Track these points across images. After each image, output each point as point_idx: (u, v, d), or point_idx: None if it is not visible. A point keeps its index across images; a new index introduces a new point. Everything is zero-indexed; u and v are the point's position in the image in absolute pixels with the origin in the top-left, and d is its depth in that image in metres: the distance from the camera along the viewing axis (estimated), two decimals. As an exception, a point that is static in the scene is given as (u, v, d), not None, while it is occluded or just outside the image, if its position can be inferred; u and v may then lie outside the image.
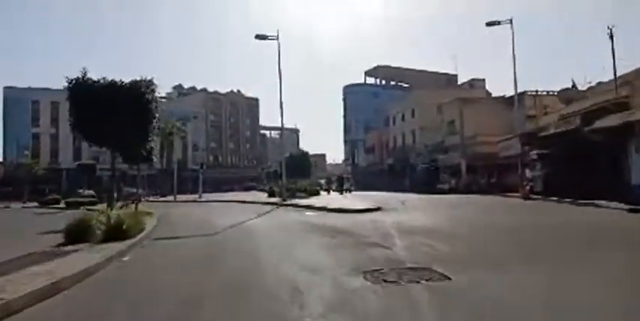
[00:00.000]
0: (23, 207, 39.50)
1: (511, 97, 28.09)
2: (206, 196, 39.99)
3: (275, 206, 22.59)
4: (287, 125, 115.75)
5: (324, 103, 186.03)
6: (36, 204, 40.75)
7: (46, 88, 70.42)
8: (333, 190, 33.87)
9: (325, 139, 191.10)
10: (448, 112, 38.52)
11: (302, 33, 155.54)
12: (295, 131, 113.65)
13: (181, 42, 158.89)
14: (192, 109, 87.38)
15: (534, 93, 34.96)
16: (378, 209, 17.37)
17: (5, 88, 67.15)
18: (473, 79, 48.18)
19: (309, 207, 19.91)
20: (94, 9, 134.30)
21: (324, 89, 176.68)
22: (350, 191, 33.14)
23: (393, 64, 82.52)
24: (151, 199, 44.34)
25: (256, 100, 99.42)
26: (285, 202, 23.63)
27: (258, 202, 26.64)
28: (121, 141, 12.61)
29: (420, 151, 44.29)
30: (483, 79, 48.16)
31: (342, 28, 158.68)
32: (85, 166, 35.71)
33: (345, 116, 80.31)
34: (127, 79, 12.63)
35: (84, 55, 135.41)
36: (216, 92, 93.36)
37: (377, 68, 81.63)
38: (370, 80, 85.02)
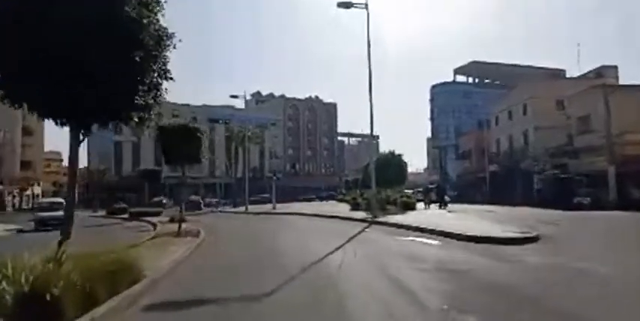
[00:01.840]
0: (90, 216, 37.73)
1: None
2: (281, 207, 35.18)
3: (365, 225, 16.73)
4: (366, 131, 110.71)
5: (406, 105, 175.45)
6: (104, 213, 38.99)
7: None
8: (431, 202, 27.23)
9: (406, 145, 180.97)
10: (579, 105, 30.29)
11: (380, 32, 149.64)
12: (375, 137, 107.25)
13: (260, 49, 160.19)
14: (269, 116, 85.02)
15: None
16: (534, 239, 10.81)
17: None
18: (602, 67, 38.89)
19: (415, 229, 13.79)
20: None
21: (406, 90, 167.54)
22: (446, 204, 26.35)
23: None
24: (227, 209, 40.71)
25: (334, 105, 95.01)
26: (376, 219, 17.69)
27: (340, 217, 20.96)
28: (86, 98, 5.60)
29: (537, 155, 36.06)
30: (615, 66, 38.65)
31: (426, 24, 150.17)
32: (148, 173, 32.47)
33: (432, 119, 72.52)
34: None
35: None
36: (294, 98, 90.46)
37: (469, 65, 73.05)
38: (461, 79, 76.56)
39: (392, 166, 23.50)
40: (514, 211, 23.02)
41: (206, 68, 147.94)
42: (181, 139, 13.04)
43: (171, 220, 21.03)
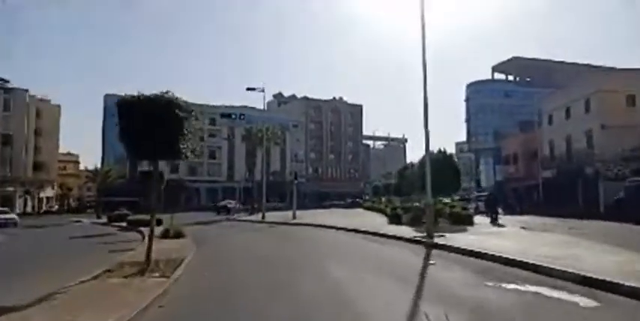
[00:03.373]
0: (92, 223, 33.85)
1: None
2: (302, 216, 30.42)
3: (421, 250, 11.77)
4: (392, 134, 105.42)
5: (438, 107, 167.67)
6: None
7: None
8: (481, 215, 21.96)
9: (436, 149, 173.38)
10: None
11: (408, 26, 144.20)
12: (401, 141, 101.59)
13: (282, 50, 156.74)
14: (291, 117, 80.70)
15: None
16: None
17: (106, 95, 65.65)
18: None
19: (509, 264, 8.79)
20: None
21: (439, 89, 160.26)
22: (497, 218, 20.93)
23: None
24: (242, 216, 36.17)
25: (360, 107, 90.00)
26: (434, 241, 12.71)
27: (379, 234, 16.04)
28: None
29: (606, 158, 30.39)
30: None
31: (460, 21, 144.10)
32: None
33: (468, 120, 66.75)
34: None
35: (174, 64, 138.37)
36: (317, 99, 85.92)
37: (510, 61, 67.15)
38: (499, 77, 70.57)
39: (444, 169, 18.39)
40: (604, 228, 17.66)
41: (227, 70, 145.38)
42: (151, 119, 8.38)
43: (165, 234, 16.59)
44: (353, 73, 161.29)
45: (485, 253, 9.99)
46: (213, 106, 64.56)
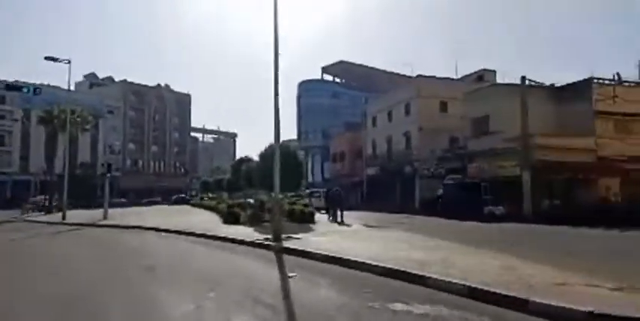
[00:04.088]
0: None
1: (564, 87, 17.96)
2: (117, 215, 25.75)
3: (270, 258, 9.84)
4: (222, 128, 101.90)
5: (266, 103, 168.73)
6: None
7: None
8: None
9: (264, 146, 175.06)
10: (474, 104, 27.98)
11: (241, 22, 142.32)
12: (232, 135, 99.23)
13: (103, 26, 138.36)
14: (107, 102, 70.69)
15: (603, 81, 25.58)
16: None
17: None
18: (484, 70, 38.47)
19: (386, 274, 7.53)
20: None
21: (267, 87, 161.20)
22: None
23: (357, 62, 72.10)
24: (35, 216, 28.73)
25: (188, 96, 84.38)
26: (285, 246, 10.95)
27: (217, 237, 13.62)
28: None
29: (422, 158, 33.40)
30: (494, 71, 38.56)
31: (298, 21, 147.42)
32: None
33: (299, 118, 68.09)
34: None
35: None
36: (138, 84, 77.14)
37: (338, 64, 70.74)
38: (328, 78, 73.87)
39: (286, 164, 16.88)
40: (431, 223, 18.56)
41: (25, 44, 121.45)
42: None
43: None
44: (183, 61, 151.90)
45: (348, 260, 8.58)
46: (8, 91, 52.03)
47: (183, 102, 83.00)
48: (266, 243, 11.55)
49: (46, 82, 58.54)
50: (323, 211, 22.19)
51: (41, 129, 50.87)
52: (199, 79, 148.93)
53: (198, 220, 20.32)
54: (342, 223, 18.02)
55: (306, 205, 19.41)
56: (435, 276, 6.67)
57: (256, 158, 25.13)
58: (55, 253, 11.94)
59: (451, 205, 22.74)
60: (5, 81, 50.72)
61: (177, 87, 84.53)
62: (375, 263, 7.98)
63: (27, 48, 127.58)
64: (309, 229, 14.99)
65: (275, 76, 12.91)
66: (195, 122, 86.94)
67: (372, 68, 71.93)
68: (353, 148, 46.02)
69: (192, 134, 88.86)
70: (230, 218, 18.42)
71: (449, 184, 24.81)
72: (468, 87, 33.36)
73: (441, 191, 25.36)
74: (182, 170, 79.71)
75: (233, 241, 12.69)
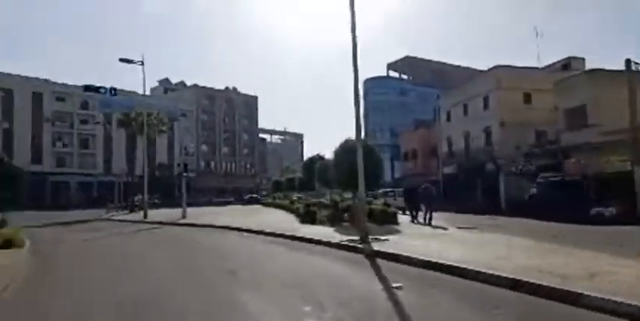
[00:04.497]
0: None
1: None
2: (194, 214, 26.03)
3: (363, 262, 8.75)
4: (289, 128, 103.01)
5: (335, 102, 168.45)
6: None
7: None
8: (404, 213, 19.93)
9: (333, 145, 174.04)
10: (569, 95, 25.19)
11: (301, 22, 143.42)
12: (299, 136, 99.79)
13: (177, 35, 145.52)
14: (180, 106, 73.65)
15: None
16: None
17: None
18: (569, 58, 35.04)
19: (522, 288, 6.18)
20: None
21: (338, 86, 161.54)
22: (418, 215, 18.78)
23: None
24: (119, 215, 29.90)
25: (255, 98, 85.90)
26: (376, 249, 9.83)
27: (296, 237, 12.83)
28: None
29: (506, 155, 30.85)
30: (582, 58, 34.99)
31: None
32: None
33: (365, 117, 66.77)
34: None
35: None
36: (209, 88, 79.75)
37: (403, 60, 68.53)
38: (394, 75, 71.81)
39: (365, 161, 15.75)
40: (531, 225, 16.57)
41: (109, 52, 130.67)
42: None
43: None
44: (246, 65, 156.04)
45: (457, 267, 7.30)
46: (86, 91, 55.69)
47: (250, 104, 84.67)
48: (352, 245, 10.52)
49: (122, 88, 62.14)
50: (400, 212, 20.80)
51: (121, 132, 53.85)
52: (265, 81, 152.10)
53: (273, 220, 19.79)
54: (429, 224, 16.52)
55: (386, 205, 18.15)
56: (592, 294, 5.21)
57: (328, 156, 24.32)
58: (135, 252, 11.71)
59: (546, 205, 20.40)
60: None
61: (244, 89, 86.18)
62: (494, 273, 6.64)
63: (103, 56, 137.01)
64: (395, 231, 13.76)
65: (354, 66, 11.83)
66: (262, 123, 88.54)
67: (440, 62, 68.95)
68: (426, 145, 43.94)
69: (260, 135, 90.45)
70: (307, 218, 17.64)
71: (543, 182, 22.37)
72: (555, 76, 30.31)
73: (534, 190, 22.95)
74: (252, 170, 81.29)
75: (315, 241, 11.80)
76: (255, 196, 55.04)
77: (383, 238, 11.54)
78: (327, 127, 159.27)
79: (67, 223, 23.01)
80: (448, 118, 40.16)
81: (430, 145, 43.05)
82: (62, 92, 61.09)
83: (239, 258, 9.96)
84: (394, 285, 6.51)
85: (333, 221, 16.19)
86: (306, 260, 9.36)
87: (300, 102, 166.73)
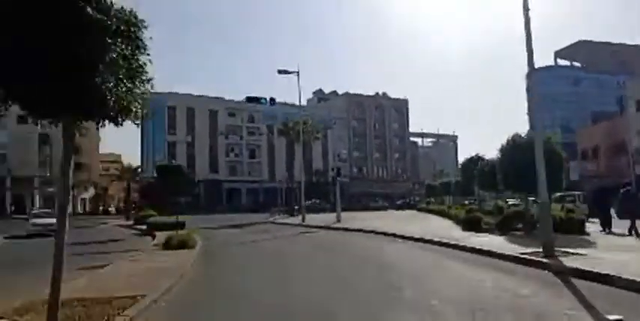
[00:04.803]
0: (117, 225, 30.93)
1: None
2: (347, 218, 26.11)
3: (555, 282, 7.12)
4: (441, 130, 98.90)
5: (490, 100, 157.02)
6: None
7: (184, 94, 66.48)
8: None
9: (490, 146, 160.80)
10: None
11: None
12: (452, 138, 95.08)
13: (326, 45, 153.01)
14: (333, 114, 76.43)
15: None
16: None
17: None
18: None
19: None
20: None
21: (494, 83, 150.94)
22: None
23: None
24: (280, 219, 31.96)
25: (405, 101, 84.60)
26: (569, 265, 8.01)
27: (458, 247, 11.48)
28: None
29: None
30: None
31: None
32: (166, 170, 24.43)
33: (530, 111, 60.16)
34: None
35: (216, 64, 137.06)
36: (359, 95, 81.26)
37: (575, 46, 59.94)
38: (563, 63, 63.31)
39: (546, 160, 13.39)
40: None
41: (265, 65, 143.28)
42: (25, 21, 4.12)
43: (167, 244, 12.74)
44: (396, 68, 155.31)
45: None
46: (249, 102, 61.56)
47: (400, 108, 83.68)
48: (535, 259, 8.81)
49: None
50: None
51: (282, 141, 58.04)
52: (417, 83, 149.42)
53: (431, 226, 18.55)
54: (637, 235, 13.36)
55: (570, 211, 15.41)
56: None
57: (488, 157, 21.96)
58: (294, 257, 11.78)
59: None
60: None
61: (394, 93, 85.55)
62: None
63: (266, 72, 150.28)
64: (586, 243, 11.38)
65: (528, 50, 10.07)
66: (413, 127, 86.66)
67: (622, 44, 58.45)
68: (610, 141, 37.30)
69: (412, 139, 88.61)
70: (469, 225, 15.98)
71: None
72: None
73: None
74: (404, 175, 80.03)
75: (486, 253, 10.32)
76: (407, 201, 53.75)
77: (573, 251, 9.51)
78: (481, 128, 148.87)
79: (238, 226, 25.10)
80: (638, 108, 33.43)
81: (615, 141, 36.39)
82: (233, 108, 68.56)
83: (401, 269, 9.07)
84: (610, 318, 4.92)
85: (502, 229, 14.26)
86: (483, 276, 8.01)
87: (453, 102, 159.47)
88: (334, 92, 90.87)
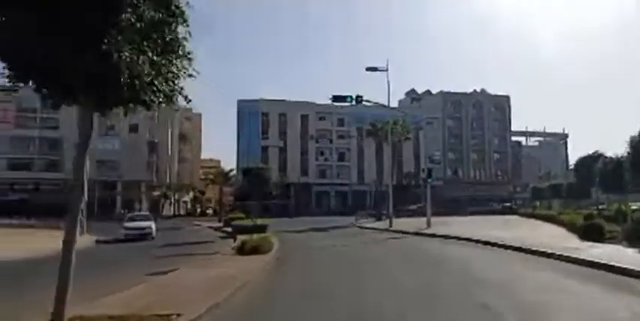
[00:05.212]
0: (209, 227, 31.81)
1: None
2: (440, 224, 23.83)
3: None
4: (549, 129, 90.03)
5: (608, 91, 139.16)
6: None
7: (277, 100, 68.04)
8: None
9: (606, 145, 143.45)
10: None
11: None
12: (562, 136, 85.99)
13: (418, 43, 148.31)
14: (426, 114, 72.99)
15: None
16: None
17: (240, 101, 66.81)
18: None
19: None
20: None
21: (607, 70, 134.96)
22: None
23: None
24: (368, 223, 30.48)
25: (506, 98, 78.06)
26: None
27: (585, 262, 9.15)
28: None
29: None
30: None
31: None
32: (249, 172, 24.26)
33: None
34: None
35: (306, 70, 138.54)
36: (454, 93, 76.60)
37: None
38: None
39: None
40: None
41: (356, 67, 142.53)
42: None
43: (241, 249, 12.07)
44: (493, 63, 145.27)
45: None
46: (335, 102, 60.92)
47: (501, 105, 77.50)
48: None
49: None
50: None
51: (371, 144, 56.48)
52: (519, 77, 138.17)
53: (538, 234, 15.93)
54: None
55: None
56: None
57: (609, 154, 18.58)
58: (375, 267, 10.33)
59: None
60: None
61: (493, 89, 79.36)
62: None
63: (354, 75, 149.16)
64: None
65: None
66: (516, 125, 79.58)
67: None
68: None
69: (514, 138, 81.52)
70: (589, 233, 13.22)
71: None
72: None
73: None
74: (504, 178, 73.92)
75: (616, 270, 8.00)
76: (509, 205, 49.06)
77: None
78: (594, 124, 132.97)
79: (321, 229, 24.21)
80: None
81: None
82: (323, 112, 68.63)
83: (513, 294, 6.90)
84: None
85: (631, 239, 11.47)
86: (619, 304, 5.92)
87: (561, 97, 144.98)
88: (427, 91, 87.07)
